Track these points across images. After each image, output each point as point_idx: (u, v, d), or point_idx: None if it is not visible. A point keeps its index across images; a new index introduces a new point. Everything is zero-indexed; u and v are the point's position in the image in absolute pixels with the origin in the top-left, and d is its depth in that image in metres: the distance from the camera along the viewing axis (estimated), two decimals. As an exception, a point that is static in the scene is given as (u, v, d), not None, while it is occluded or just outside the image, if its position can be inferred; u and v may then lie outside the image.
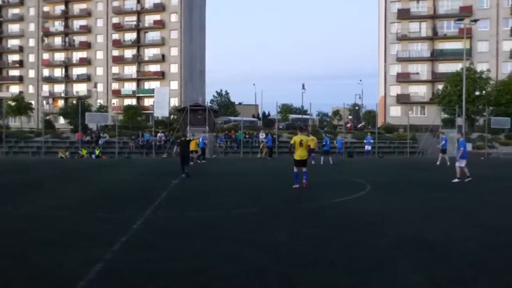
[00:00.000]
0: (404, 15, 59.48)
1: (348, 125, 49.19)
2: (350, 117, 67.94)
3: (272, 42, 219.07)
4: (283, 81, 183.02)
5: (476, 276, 4.72)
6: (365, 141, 35.55)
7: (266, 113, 79.01)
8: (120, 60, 73.47)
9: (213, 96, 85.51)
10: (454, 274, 4.78)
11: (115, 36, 73.98)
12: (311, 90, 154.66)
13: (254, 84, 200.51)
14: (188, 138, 18.62)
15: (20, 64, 78.07)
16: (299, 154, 12.38)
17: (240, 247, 5.87)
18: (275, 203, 10.06)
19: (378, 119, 53.05)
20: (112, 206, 9.72)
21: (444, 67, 57.17)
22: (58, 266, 5.01)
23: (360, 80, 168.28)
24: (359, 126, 51.92)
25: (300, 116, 55.85)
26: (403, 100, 57.97)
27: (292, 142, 12.66)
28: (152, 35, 73.28)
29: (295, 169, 12.56)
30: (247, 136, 39.11)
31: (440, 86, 51.51)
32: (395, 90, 60.02)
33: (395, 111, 59.04)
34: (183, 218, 8.18)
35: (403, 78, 59.30)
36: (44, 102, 75.42)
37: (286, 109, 79.70)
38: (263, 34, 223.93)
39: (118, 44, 73.40)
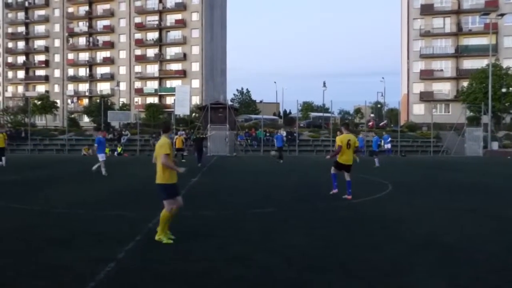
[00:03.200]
0: (427, 10, 58.27)
1: (370, 123, 48.56)
2: (372, 115, 67.15)
3: (293, 39, 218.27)
4: (304, 79, 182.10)
5: (499, 282, 4.51)
6: (382, 140, 35.12)
7: (287, 111, 78.77)
8: (142, 59, 74.31)
9: (234, 94, 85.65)
10: (476, 280, 4.58)
11: (138, 35, 74.83)
12: (332, 88, 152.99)
13: (275, 82, 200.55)
14: (200, 136, 23.57)
15: (46, 64, 79.81)
16: (345, 158, 10.07)
17: (252, 249, 5.78)
18: (291, 203, 9.94)
19: (401, 117, 52.21)
20: (130, 204, 9.76)
21: (469, 64, 55.76)
22: (70, 264, 5.03)
23: (383, 78, 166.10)
24: (381, 124, 51.22)
25: (321, 114, 55.39)
26: (427, 97, 56.86)
27: (338, 143, 10.11)
28: (174, 34, 73.84)
29: (333, 171, 10.47)
30: (267, 134, 39.01)
31: (465, 83, 50.28)
32: (418, 87, 58.88)
33: (418, 109, 57.94)
34: (198, 217, 8.14)
35: (427, 75, 58.13)
36: (69, 101, 76.94)
37: (307, 107, 79.29)
38: (284, 31, 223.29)
39: (140, 43, 74.24)
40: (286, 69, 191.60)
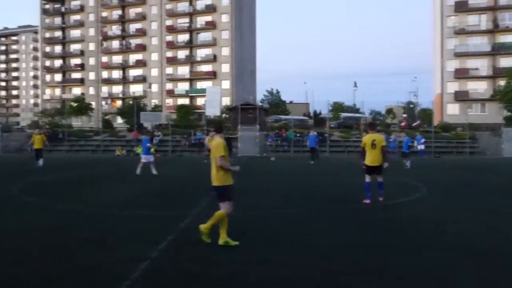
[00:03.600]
0: (461, 7, 56.64)
1: (402, 123, 47.63)
2: (404, 115, 65.79)
3: (324, 39, 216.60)
4: (335, 79, 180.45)
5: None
6: (415, 141, 34.37)
7: (317, 111, 78.18)
8: (173, 61, 75.42)
9: (264, 95, 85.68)
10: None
11: (169, 37, 75.99)
12: (363, 88, 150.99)
13: (305, 83, 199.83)
14: (227, 136, 24.65)
15: (82, 67, 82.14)
16: (371, 158, 9.62)
17: (282, 251, 5.77)
18: (321, 204, 9.86)
19: (434, 118, 50.96)
20: (162, 204, 9.93)
21: (506, 62, 53.76)
22: (105, 263, 5.16)
23: (415, 77, 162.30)
24: (414, 124, 50.10)
25: (352, 114, 54.71)
26: (461, 97, 55.26)
27: (362, 144, 9.88)
28: (204, 36, 74.62)
29: (367, 179, 9.74)
30: (297, 135, 38.86)
31: (501, 82, 48.56)
32: (453, 87, 57.29)
33: (453, 109, 56.36)
34: (228, 217, 8.17)
35: (461, 74, 56.50)
36: (103, 102, 78.96)
37: (337, 108, 78.36)
38: (314, 31, 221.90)
39: (171, 45, 75.38)
40: (317, 69, 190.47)
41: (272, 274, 4.78)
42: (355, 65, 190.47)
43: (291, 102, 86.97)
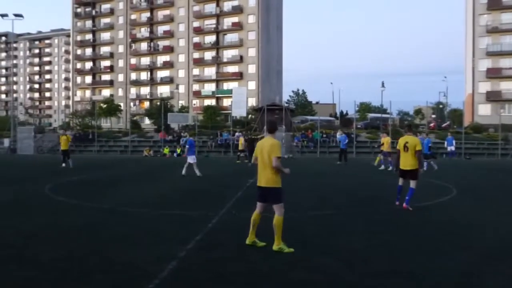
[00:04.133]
0: (495, 5, 55.00)
1: (432, 124, 46.62)
2: (433, 116, 64.37)
3: (350, 39, 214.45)
4: (362, 79, 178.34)
5: None
6: (446, 142, 33.52)
7: (344, 112, 77.42)
8: (200, 62, 76.11)
9: (290, 95, 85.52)
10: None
11: (196, 39, 76.74)
12: (391, 88, 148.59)
13: (331, 83, 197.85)
14: (252, 136, 26.68)
15: (111, 69, 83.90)
16: (403, 161, 9.35)
17: (312, 252, 5.72)
18: (351, 206, 9.75)
19: (465, 118, 49.69)
20: (189, 204, 10.00)
21: (542, 61, 52.05)
22: (135, 261, 5.22)
23: (445, 77, 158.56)
24: (443, 125, 49.01)
25: (379, 115, 53.90)
26: (494, 97, 53.67)
27: (397, 146, 9.59)
28: (231, 37, 75.02)
29: (400, 182, 9.48)
30: (324, 135, 38.58)
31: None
32: (485, 86, 55.69)
33: (485, 110, 54.80)
34: (262, 220, 8.15)
35: (494, 74, 54.86)
36: (132, 104, 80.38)
37: (364, 108, 77.53)
38: (340, 31, 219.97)
39: (198, 47, 76.10)
40: (343, 70, 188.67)
41: (306, 277, 4.73)
42: (382, 64, 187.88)
43: (317, 103, 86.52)
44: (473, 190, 12.75)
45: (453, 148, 33.79)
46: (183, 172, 16.52)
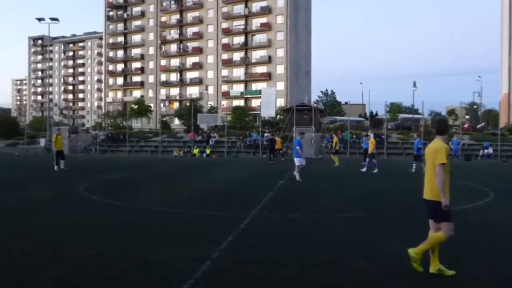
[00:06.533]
0: (533, 1, 53.15)
1: (466, 125, 45.34)
2: (467, 116, 62.64)
3: (380, 38, 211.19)
4: (392, 79, 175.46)
5: None
6: (484, 145, 32.49)
7: (374, 112, 76.19)
8: (229, 63, 76.57)
9: (319, 96, 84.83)
10: None
11: (225, 40, 77.25)
12: (422, 88, 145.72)
13: (361, 83, 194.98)
14: (273, 137, 30.23)
15: (142, 70, 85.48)
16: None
17: (345, 255, 5.63)
18: (384, 208, 9.57)
19: (501, 119, 48.10)
20: (220, 205, 10.04)
21: None
22: (169, 261, 5.26)
23: (479, 77, 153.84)
24: (478, 126, 47.55)
25: (410, 115, 52.83)
26: (532, 97, 51.81)
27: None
28: (259, 38, 75.16)
29: None
30: (354, 136, 38.10)
31: None
32: (522, 86, 53.85)
33: (522, 110, 52.99)
34: (288, 219, 8.13)
35: (532, 73, 52.97)
36: (162, 104, 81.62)
37: (395, 108, 75.99)
38: (371, 30, 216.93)
39: (227, 47, 76.57)
40: (373, 70, 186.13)
41: (340, 280, 4.66)
42: (414, 64, 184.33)
43: (346, 103, 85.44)
44: (510, 193, 12.30)
45: (490, 151, 32.86)
46: (297, 177, 15.02)
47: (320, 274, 4.84)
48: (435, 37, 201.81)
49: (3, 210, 9.08)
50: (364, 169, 20.03)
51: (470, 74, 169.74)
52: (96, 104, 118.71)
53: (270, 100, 42.17)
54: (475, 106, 75.51)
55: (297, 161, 15.22)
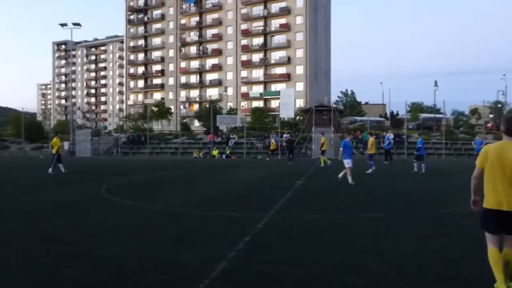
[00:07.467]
0: (560, -4, 51.65)
1: (489, 124, 44.41)
2: (491, 115, 61.30)
3: (400, 38, 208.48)
4: (413, 79, 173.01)
5: None
6: None
7: (394, 112, 75.26)
8: (248, 64, 76.78)
9: (338, 96, 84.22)
10: None
11: (244, 41, 77.51)
12: (444, 88, 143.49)
13: (381, 83, 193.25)
14: (291, 138, 31.49)
15: (162, 73, 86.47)
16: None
17: (362, 256, 5.60)
18: (402, 209, 9.47)
19: (527, 117, 46.91)
20: (238, 205, 10.11)
21: None
22: (184, 261, 5.34)
23: (504, 75, 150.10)
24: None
25: (432, 115, 52.03)
26: (559, 94, 50.36)
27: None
28: (278, 39, 75.15)
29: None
30: (374, 136, 37.70)
31: None
32: (549, 83, 52.42)
33: (549, 108, 51.57)
34: (305, 220, 8.13)
35: (559, 69, 51.48)
36: (182, 106, 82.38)
37: (416, 108, 74.88)
38: (390, 30, 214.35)
39: (246, 49, 76.79)
40: (393, 69, 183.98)
41: (357, 281, 4.65)
42: (435, 63, 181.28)
43: (366, 103, 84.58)
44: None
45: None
46: (349, 180, 14.13)
47: (338, 275, 4.85)
48: (458, 36, 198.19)
49: (29, 211, 9.33)
50: (369, 170, 19.17)
51: (494, 72, 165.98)
52: (117, 107, 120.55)
53: (289, 101, 42.11)
54: (499, 105, 73.83)
55: (346, 163, 14.36)
